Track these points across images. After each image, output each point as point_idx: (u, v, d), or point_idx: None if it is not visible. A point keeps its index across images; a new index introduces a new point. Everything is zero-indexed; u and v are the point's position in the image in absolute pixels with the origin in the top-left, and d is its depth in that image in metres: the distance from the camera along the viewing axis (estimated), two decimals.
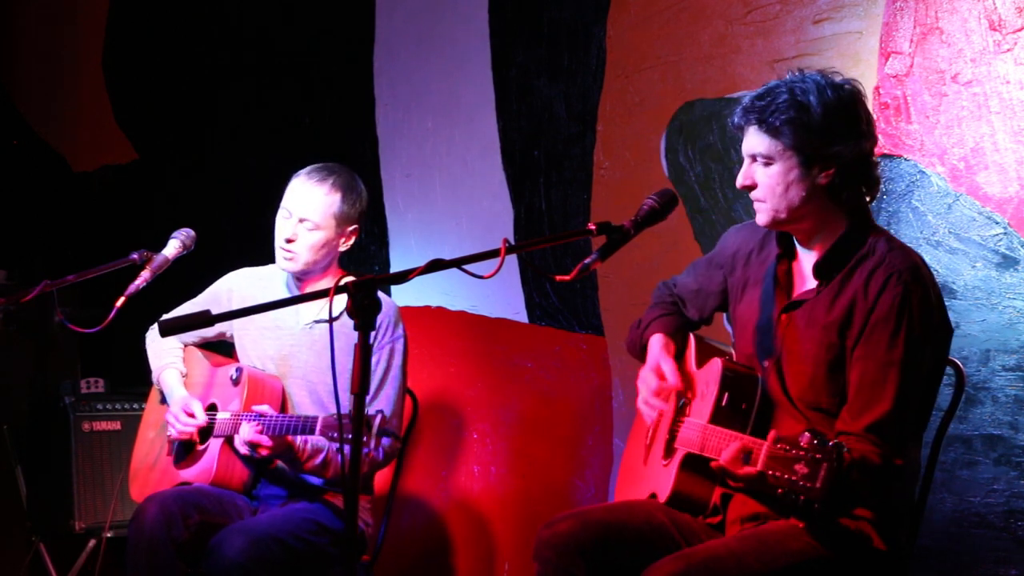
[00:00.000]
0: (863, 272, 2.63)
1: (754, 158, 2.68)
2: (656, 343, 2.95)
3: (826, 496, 2.25)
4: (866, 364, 2.58)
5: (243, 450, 3.34)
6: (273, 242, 3.52)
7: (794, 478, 2.28)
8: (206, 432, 3.52)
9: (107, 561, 4.38)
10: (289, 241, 3.45)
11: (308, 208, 3.45)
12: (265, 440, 3.27)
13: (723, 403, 2.70)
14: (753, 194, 2.70)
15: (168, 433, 3.55)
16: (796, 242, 2.78)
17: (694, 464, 2.73)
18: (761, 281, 2.83)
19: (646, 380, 2.88)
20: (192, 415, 3.49)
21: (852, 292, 2.63)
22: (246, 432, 3.28)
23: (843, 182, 2.65)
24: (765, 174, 2.66)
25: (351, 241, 3.54)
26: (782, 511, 2.58)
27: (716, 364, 2.78)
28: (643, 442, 3.02)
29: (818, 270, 2.70)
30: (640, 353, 3.02)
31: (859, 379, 2.58)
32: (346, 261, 3.65)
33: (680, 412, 2.86)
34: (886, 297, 2.58)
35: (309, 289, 3.53)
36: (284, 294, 3.57)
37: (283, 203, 3.50)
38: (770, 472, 2.32)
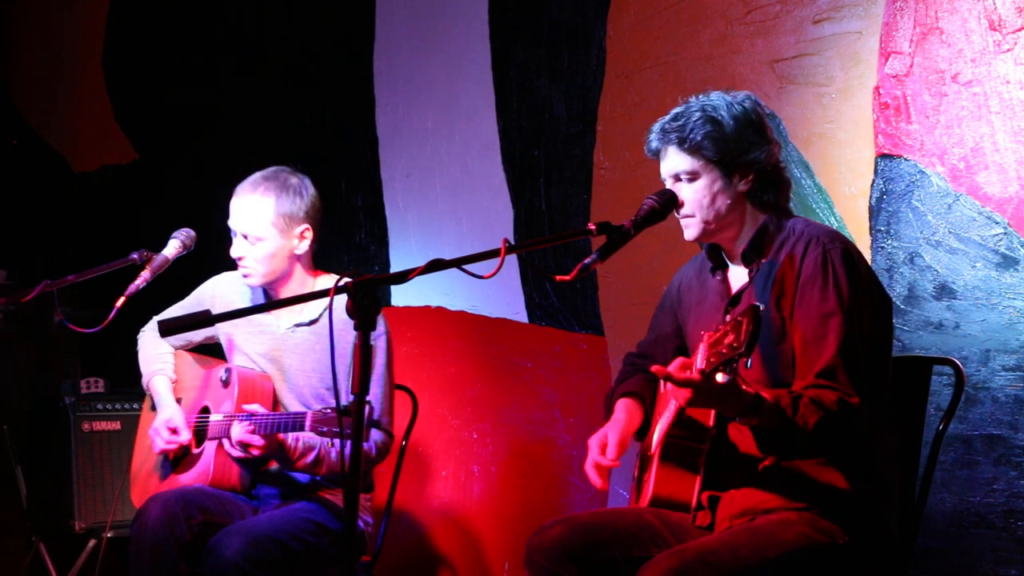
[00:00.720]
0: (787, 249, 2.76)
1: (677, 177, 2.81)
2: (617, 410, 3.02)
3: (749, 347, 2.34)
4: (804, 323, 2.68)
5: (235, 452, 3.34)
6: None
7: (724, 350, 2.39)
8: (200, 435, 3.52)
9: (107, 561, 4.38)
10: (240, 259, 3.45)
11: (244, 222, 3.44)
12: (256, 440, 3.27)
13: None
14: (681, 212, 2.81)
15: (154, 448, 3.55)
16: (725, 254, 2.89)
17: (670, 456, 2.76)
18: (703, 299, 2.94)
19: (591, 447, 2.92)
20: (175, 431, 3.49)
21: (781, 268, 2.75)
22: (237, 432, 3.29)
23: (762, 186, 2.80)
24: (691, 190, 2.79)
25: (305, 242, 3.46)
26: (734, 409, 2.60)
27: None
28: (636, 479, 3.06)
29: (745, 258, 2.82)
30: None
31: (801, 338, 2.68)
32: (320, 260, 3.63)
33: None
34: (808, 259, 2.71)
35: (284, 294, 3.51)
36: (261, 296, 3.58)
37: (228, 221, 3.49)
38: (709, 362, 2.43)
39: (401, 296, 4.63)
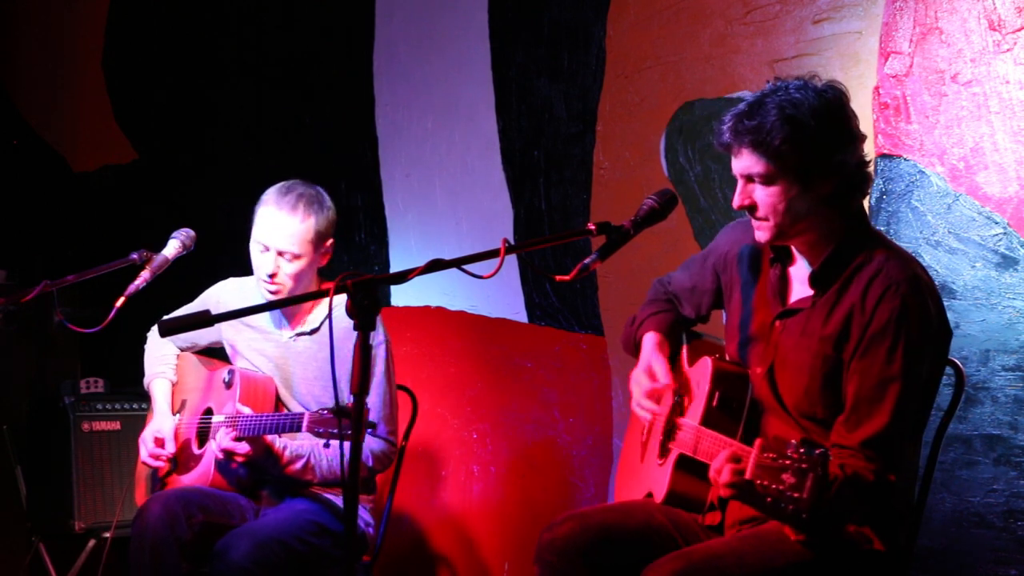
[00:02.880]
0: (860, 283, 2.58)
1: (749, 178, 2.61)
2: (649, 341, 2.93)
3: (813, 506, 2.21)
4: (863, 378, 2.53)
5: (219, 457, 3.34)
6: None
7: (781, 488, 2.25)
8: (203, 436, 3.52)
9: (109, 561, 4.38)
10: (272, 275, 3.42)
11: (285, 241, 3.40)
12: (241, 447, 3.28)
13: (714, 403, 2.70)
14: (753, 214, 2.63)
15: (140, 456, 3.56)
16: (793, 247, 2.74)
17: (688, 465, 2.73)
18: (754, 283, 2.80)
19: (638, 381, 2.85)
20: (161, 444, 3.51)
21: (849, 304, 2.58)
22: (220, 440, 3.30)
23: (846, 189, 2.60)
24: (765, 193, 2.58)
25: (328, 255, 3.51)
26: (775, 517, 2.56)
27: (706, 363, 2.77)
28: (639, 440, 3.02)
29: (814, 280, 2.65)
30: (635, 350, 3.00)
31: (856, 393, 2.54)
32: (326, 271, 3.63)
33: (675, 411, 2.85)
34: (883, 309, 2.52)
35: (293, 305, 3.52)
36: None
37: (256, 236, 3.44)
38: (758, 482, 2.30)
39: (401, 296, 4.63)
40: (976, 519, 3.22)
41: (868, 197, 3.42)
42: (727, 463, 2.41)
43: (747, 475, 2.33)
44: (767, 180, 2.57)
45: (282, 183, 3.50)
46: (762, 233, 2.63)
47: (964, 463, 3.24)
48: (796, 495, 2.22)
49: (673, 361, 2.94)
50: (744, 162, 2.58)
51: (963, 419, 3.23)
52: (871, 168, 2.65)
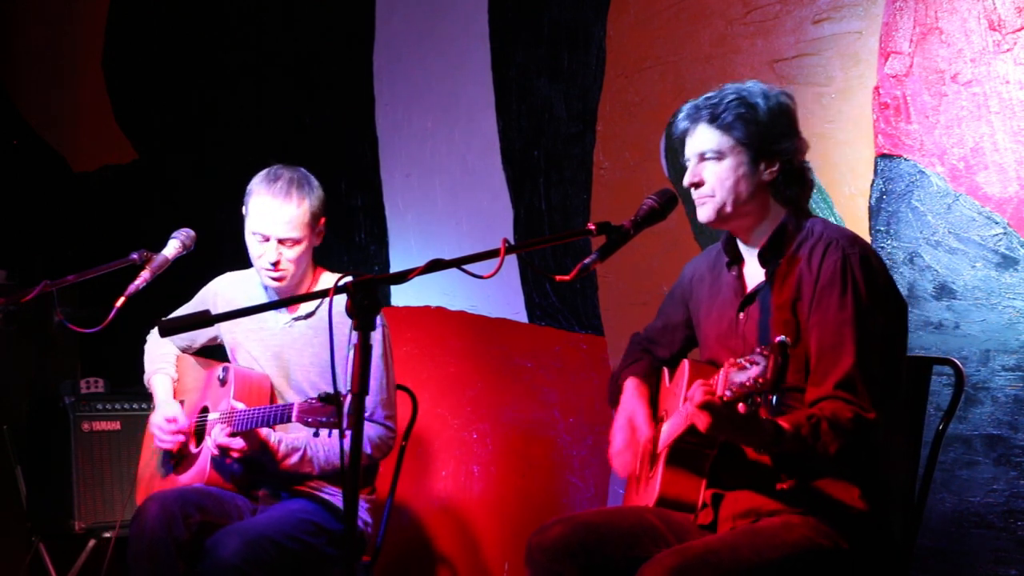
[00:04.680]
0: (805, 250, 2.74)
1: (702, 156, 2.79)
2: (628, 388, 3.02)
3: (776, 385, 2.30)
4: (821, 329, 2.66)
5: (214, 454, 3.35)
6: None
7: (748, 384, 2.35)
8: (200, 435, 3.53)
9: (112, 561, 4.39)
10: (275, 264, 3.44)
11: (285, 228, 3.42)
12: (236, 443, 3.28)
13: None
14: (699, 191, 2.79)
15: (157, 444, 3.57)
16: (740, 245, 2.87)
17: (678, 459, 2.75)
18: (716, 294, 2.92)
19: (620, 429, 2.94)
20: (174, 420, 3.50)
21: (798, 270, 2.73)
22: (215, 436, 3.30)
23: (786, 179, 2.78)
24: (715, 169, 2.77)
25: (323, 235, 3.54)
26: (751, 442, 2.60)
27: (683, 364, 2.86)
28: (633, 476, 3.05)
29: (762, 257, 2.80)
30: (617, 402, 3.07)
31: (817, 345, 2.66)
32: (318, 256, 3.64)
33: (658, 428, 2.90)
34: (827, 264, 2.69)
35: (291, 290, 3.52)
36: (264, 295, 3.59)
37: (253, 226, 3.45)
38: (730, 392, 2.39)
39: (401, 296, 4.63)
40: (976, 519, 3.22)
41: (869, 196, 3.43)
42: (699, 387, 2.48)
43: (719, 391, 2.43)
44: (718, 156, 2.76)
45: (265, 170, 3.52)
46: (705, 210, 2.80)
47: (964, 463, 3.24)
48: (760, 380, 2.32)
49: (654, 394, 3.03)
50: (699, 139, 2.80)
51: (963, 419, 3.23)
52: (811, 175, 2.84)
